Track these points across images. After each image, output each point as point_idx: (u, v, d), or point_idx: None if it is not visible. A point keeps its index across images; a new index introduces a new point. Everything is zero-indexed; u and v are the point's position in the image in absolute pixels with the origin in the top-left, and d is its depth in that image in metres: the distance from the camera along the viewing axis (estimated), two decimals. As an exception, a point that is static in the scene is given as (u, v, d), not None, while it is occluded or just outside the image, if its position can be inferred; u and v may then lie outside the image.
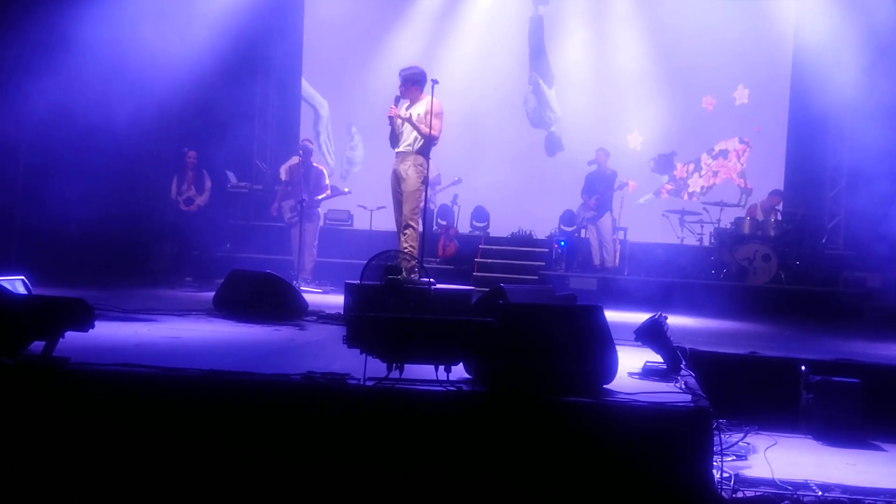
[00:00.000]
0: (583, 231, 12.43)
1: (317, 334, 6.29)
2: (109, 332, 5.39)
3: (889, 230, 10.55)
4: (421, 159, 7.61)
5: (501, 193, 13.26)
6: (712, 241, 12.22)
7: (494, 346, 4.07)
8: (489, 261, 12.29)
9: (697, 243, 12.49)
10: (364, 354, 4.03)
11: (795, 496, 4.16)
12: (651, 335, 5.00)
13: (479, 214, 13.44)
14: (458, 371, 4.17)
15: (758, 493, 4.21)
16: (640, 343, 5.10)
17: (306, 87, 14.64)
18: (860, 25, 12.03)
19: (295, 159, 11.01)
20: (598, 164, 12.23)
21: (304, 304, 7.34)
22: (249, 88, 13.78)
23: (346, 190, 11.64)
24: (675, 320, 6.43)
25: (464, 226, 13.27)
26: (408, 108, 7.70)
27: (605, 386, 4.20)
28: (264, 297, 7.03)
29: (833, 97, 12.68)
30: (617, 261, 12.12)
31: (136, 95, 10.73)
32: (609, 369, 4.24)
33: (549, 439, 3.86)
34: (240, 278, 7.48)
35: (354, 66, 14.01)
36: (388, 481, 3.87)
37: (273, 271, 7.47)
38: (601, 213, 12.02)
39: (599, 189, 12.07)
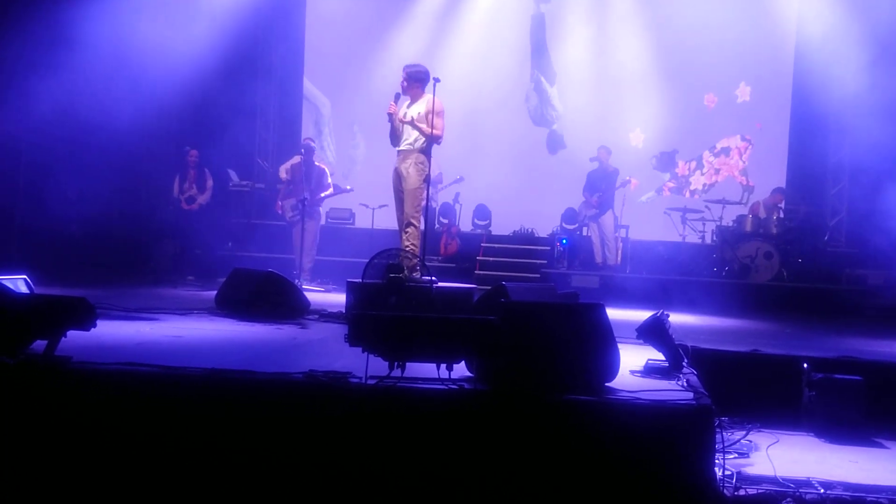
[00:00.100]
0: (584, 229, 12.43)
1: (319, 333, 6.29)
2: (111, 331, 5.40)
3: (891, 227, 10.54)
4: (422, 157, 7.60)
5: (503, 192, 13.27)
6: (714, 238, 12.22)
7: (496, 344, 4.07)
8: (491, 259, 12.29)
9: (699, 241, 12.48)
10: (366, 353, 4.03)
11: (798, 494, 4.15)
12: (653, 333, 4.99)
13: (481, 213, 13.45)
14: (460, 369, 4.16)
15: (760, 491, 4.20)
16: (641, 341, 5.09)
17: (308, 86, 14.65)
18: (862, 23, 12.02)
19: (297, 158, 11.01)
20: (600, 161, 12.23)
21: (305, 302, 7.34)
22: (251, 87, 13.79)
23: (347, 188, 11.65)
24: (676, 318, 6.43)
25: (465, 224, 13.28)
26: (409, 106, 7.70)
27: (606, 384, 4.20)
28: (266, 295, 7.03)
29: (835, 94, 12.67)
30: (619, 259, 12.12)
31: (138, 94, 10.75)
32: (611, 367, 4.23)
33: (551, 437, 3.86)
34: (242, 277, 7.48)
35: (356, 65, 14.03)
36: (390, 480, 3.87)
37: (275, 270, 7.47)
38: (603, 211, 12.03)
39: (601, 187, 12.07)
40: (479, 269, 11.93)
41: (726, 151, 13.81)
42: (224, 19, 12.24)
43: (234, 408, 3.98)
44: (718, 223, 12.13)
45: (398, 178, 7.70)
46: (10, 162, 10.70)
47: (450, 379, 4.02)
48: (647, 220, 12.82)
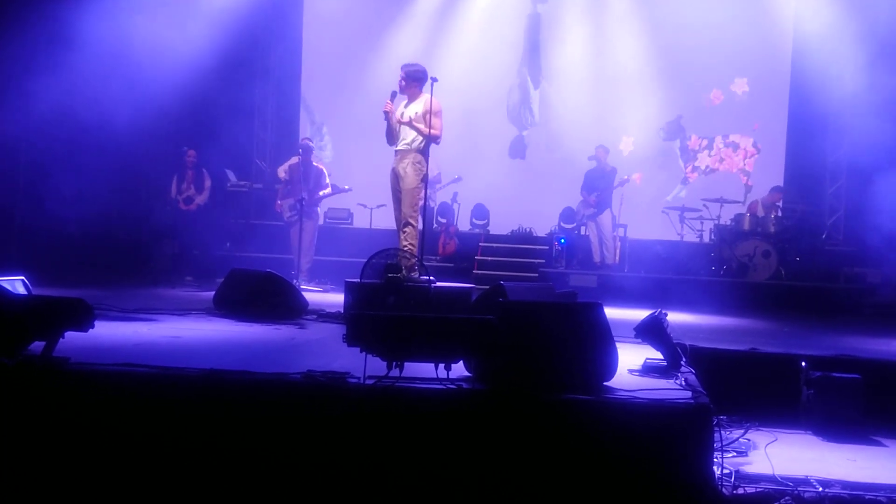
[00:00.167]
0: (583, 228, 12.43)
1: (317, 333, 6.30)
2: (109, 332, 5.39)
3: (889, 226, 10.55)
4: (419, 157, 7.60)
5: (501, 191, 13.27)
6: (712, 237, 12.22)
7: (494, 343, 4.07)
8: (489, 258, 12.29)
9: (697, 240, 12.48)
10: (364, 353, 4.03)
11: (796, 492, 4.15)
12: (651, 332, 5.00)
13: (479, 212, 13.45)
14: (458, 369, 4.16)
15: (758, 490, 4.21)
16: (640, 340, 5.10)
17: (306, 87, 14.62)
18: (860, 21, 12.03)
19: (295, 159, 11.00)
20: (598, 160, 12.23)
21: (304, 302, 7.34)
22: (249, 87, 13.78)
23: (346, 187, 11.64)
24: (675, 317, 6.43)
25: (464, 224, 13.28)
26: (406, 105, 7.69)
27: (605, 383, 4.20)
28: (264, 296, 7.04)
29: (833, 93, 12.68)
30: (617, 258, 12.13)
31: (136, 94, 10.73)
32: (609, 366, 4.24)
33: (549, 437, 3.86)
34: (240, 277, 7.48)
35: (354, 64, 13.99)
36: (389, 480, 3.87)
37: (273, 270, 7.47)
38: (601, 210, 12.03)
39: (599, 186, 12.07)
40: (478, 269, 11.93)
41: (734, 146, 13.83)
42: (222, 19, 12.23)
43: (232, 408, 3.98)
44: (716, 222, 12.13)
45: (396, 177, 7.70)
46: (9, 162, 10.70)
47: (448, 379, 4.02)
48: (645, 219, 12.81)
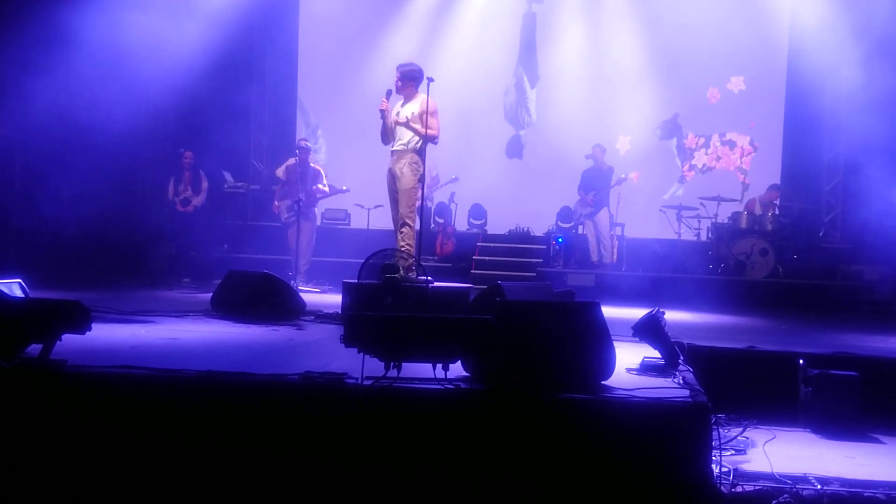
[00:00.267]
0: (580, 227, 12.44)
1: (315, 334, 6.29)
2: (107, 334, 5.39)
3: (886, 223, 10.56)
4: (416, 158, 7.59)
5: (498, 191, 13.27)
6: (709, 235, 12.23)
7: (492, 343, 4.07)
8: (487, 258, 12.29)
9: (695, 238, 12.49)
10: (362, 353, 4.03)
11: (794, 490, 4.15)
12: (649, 331, 5.00)
13: (477, 212, 13.44)
14: (456, 369, 4.17)
15: (757, 488, 4.20)
16: (637, 339, 5.10)
17: (302, 88, 14.61)
18: (856, 18, 12.04)
19: (292, 160, 11.00)
20: (595, 159, 12.24)
21: (301, 303, 7.33)
22: (245, 88, 13.77)
23: (343, 188, 11.64)
24: (672, 316, 6.44)
25: (461, 224, 13.27)
26: (402, 105, 7.69)
27: (603, 382, 4.20)
28: (262, 297, 7.03)
29: (829, 90, 12.72)
30: (615, 257, 12.13)
31: (133, 96, 10.74)
32: (607, 365, 4.24)
33: (547, 436, 3.86)
34: (237, 279, 7.48)
35: (350, 65, 13.98)
36: (387, 480, 3.87)
37: (270, 271, 7.46)
38: (598, 209, 12.04)
39: (596, 185, 12.08)
40: (475, 269, 11.92)
41: (731, 144, 13.85)
42: (218, 21, 12.22)
43: (230, 409, 3.98)
44: (714, 220, 12.14)
45: (392, 178, 7.69)
46: (5, 164, 10.70)
47: (446, 379, 4.02)
48: (642, 217, 12.82)
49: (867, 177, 11.20)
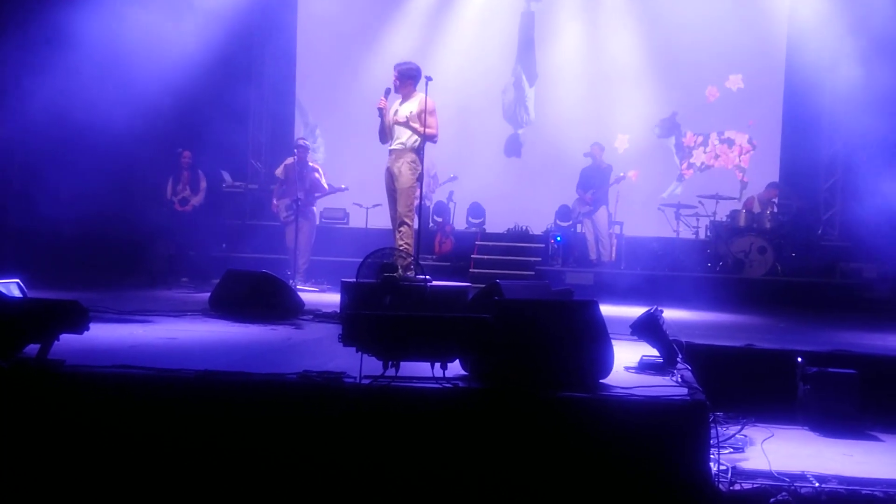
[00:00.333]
0: (579, 226, 12.44)
1: (313, 333, 6.29)
2: (105, 334, 5.39)
3: (884, 221, 10.56)
4: (414, 156, 7.59)
5: (497, 190, 13.27)
6: (708, 234, 12.24)
7: (490, 342, 4.07)
8: (485, 257, 12.29)
9: (693, 236, 12.50)
10: (360, 353, 4.03)
11: (793, 488, 4.16)
12: (647, 329, 5.00)
13: (475, 211, 13.44)
14: (455, 368, 4.17)
15: (755, 486, 4.21)
16: (636, 337, 5.10)
17: (300, 88, 14.61)
18: (854, 16, 12.04)
19: (291, 159, 10.99)
20: (594, 158, 12.25)
21: (300, 303, 7.33)
22: (243, 87, 13.75)
23: (343, 186, 11.63)
24: (671, 314, 6.45)
25: (460, 222, 13.26)
26: (401, 104, 7.68)
27: (601, 380, 4.20)
28: (260, 296, 7.03)
29: (828, 88, 12.72)
30: (613, 255, 12.13)
31: (131, 95, 10.72)
32: (605, 364, 4.24)
33: (545, 435, 3.86)
34: (235, 278, 7.47)
35: (348, 64, 13.98)
36: (386, 479, 3.87)
37: (269, 271, 7.46)
38: (597, 208, 12.05)
39: (595, 183, 12.08)
40: (474, 268, 11.92)
41: (730, 142, 13.86)
42: (216, 20, 12.21)
43: (228, 409, 3.97)
44: (712, 218, 12.15)
45: (390, 177, 7.68)
46: (4, 164, 10.69)
47: (444, 378, 4.02)
48: (641, 216, 12.82)
49: (865, 175, 11.21)
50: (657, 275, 11.29)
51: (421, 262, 7.48)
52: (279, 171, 11.07)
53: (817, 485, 4.19)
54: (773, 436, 5.15)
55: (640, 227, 12.67)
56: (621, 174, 12.21)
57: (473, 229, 13.22)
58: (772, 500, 4.09)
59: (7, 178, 10.81)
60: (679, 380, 4.45)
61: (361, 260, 6.92)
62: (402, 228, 7.57)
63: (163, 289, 10.02)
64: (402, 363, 4.05)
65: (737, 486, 4.18)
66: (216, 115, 12.31)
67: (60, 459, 3.96)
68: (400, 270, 6.96)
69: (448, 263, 11.97)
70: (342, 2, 14.43)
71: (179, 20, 11.55)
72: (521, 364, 4.05)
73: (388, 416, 3.91)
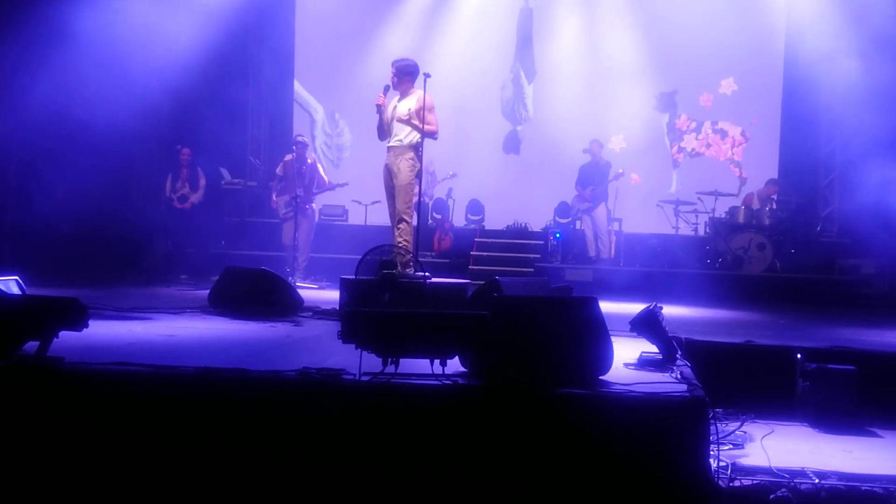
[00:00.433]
0: (578, 223, 12.44)
1: (312, 330, 6.29)
2: (104, 331, 5.38)
3: (883, 217, 10.56)
4: (413, 153, 7.58)
5: (496, 186, 13.27)
6: (707, 230, 12.24)
7: (490, 339, 4.07)
8: (485, 254, 12.29)
9: (692, 233, 12.50)
10: (359, 349, 4.02)
11: (792, 484, 4.16)
12: (646, 325, 5.00)
13: (474, 208, 13.45)
14: (454, 365, 4.16)
15: (755, 482, 4.21)
16: (635, 333, 5.09)
17: (301, 93, 14.60)
18: (853, 11, 12.03)
19: (289, 156, 10.98)
20: (592, 154, 12.24)
21: (299, 300, 7.32)
22: (242, 84, 13.76)
23: (343, 182, 11.61)
24: (670, 310, 6.44)
25: (459, 219, 13.27)
26: (399, 101, 7.67)
27: (600, 377, 4.20)
28: (259, 293, 7.02)
29: (826, 85, 12.72)
30: (612, 252, 12.13)
31: (129, 92, 10.70)
32: (604, 360, 4.23)
33: (545, 431, 3.86)
34: (234, 275, 7.47)
35: (347, 61, 13.98)
36: (385, 476, 3.86)
37: (268, 268, 7.45)
38: (596, 205, 12.04)
39: (594, 180, 12.07)
40: (473, 265, 11.93)
41: (723, 133, 13.87)
42: (214, 17, 12.19)
43: (227, 406, 3.97)
44: (711, 215, 12.15)
45: (389, 174, 7.68)
46: (1, 161, 10.66)
47: (443, 374, 4.02)
48: (640, 212, 12.82)
49: (864, 171, 11.19)
50: (656, 271, 11.29)
51: (420, 259, 7.48)
52: (280, 169, 11.06)
53: (817, 481, 4.19)
54: (772, 432, 5.15)
55: (639, 223, 12.67)
56: (620, 170, 12.21)
57: (472, 226, 13.23)
58: (771, 496, 4.09)
59: (5, 176, 10.78)
60: (678, 376, 4.44)
61: (360, 257, 6.92)
62: (400, 225, 7.56)
63: (161, 286, 10.02)
64: (401, 360, 4.04)
65: (736, 483, 4.19)
66: (215, 113, 12.30)
67: (60, 457, 3.95)
68: (399, 267, 6.96)
69: (447, 260, 11.98)
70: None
71: (178, 17, 11.52)
72: (520, 361, 4.04)
73: (387, 413, 3.90)
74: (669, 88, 13.85)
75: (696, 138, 13.93)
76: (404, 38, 13.66)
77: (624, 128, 13.82)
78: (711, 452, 3.99)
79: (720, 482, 4.07)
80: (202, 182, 11.55)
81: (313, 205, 10.99)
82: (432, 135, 7.61)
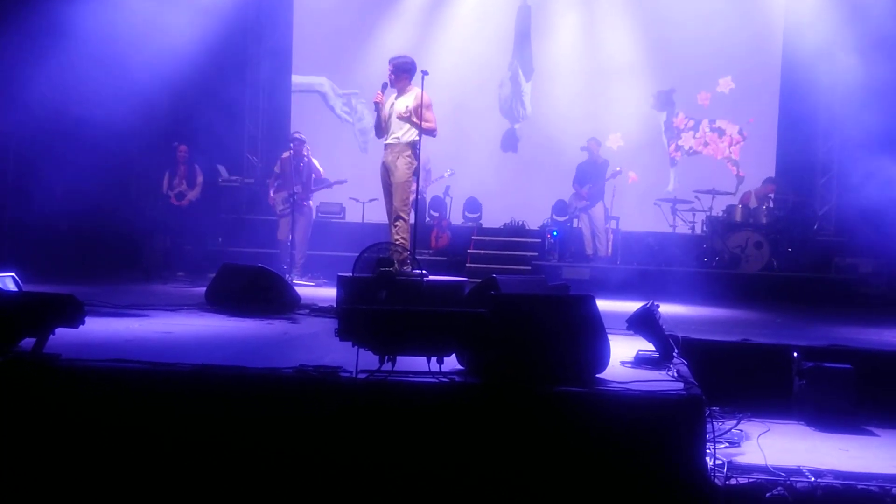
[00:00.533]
0: (575, 221, 12.45)
1: (309, 327, 6.28)
2: (101, 328, 5.37)
3: (880, 216, 10.58)
4: (410, 151, 7.58)
5: (493, 184, 13.28)
6: (704, 229, 12.25)
7: (487, 336, 4.07)
8: (482, 252, 12.29)
9: (689, 231, 12.52)
10: (356, 347, 4.02)
11: (788, 482, 4.16)
12: (643, 324, 5.00)
13: (472, 205, 13.45)
14: (451, 362, 4.16)
15: (751, 480, 4.21)
16: (632, 332, 5.10)
17: (300, 79, 14.58)
18: (851, 11, 12.04)
19: (287, 153, 10.97)
20: (590, 152, 12.25)
21: (296, 297, 7.32)
22: (239, 82, 13.75)
23: (342, 179, 11.60)
24: (667, 309, 6.45)
25: (456, 217, 13.28)
26: (396, 98, 7.66)
27: (597, 375, 4.20)
28: (256, 290, 7.01)
29: (824, 84, 12.72)
30: (609, 250, 12.14)
31: (126, 89, 10.69)
32: (601, 358, 4.23)
33: (542, 429, 3.86)
34: (232, 272, 7.46)
35: (345, 59, 13.98)
36: (382, 474, 3.86)
37: (265, 265, 7.45)
38: (594, 203, 12.05)
39: (591, 178, 12.08)
40: (470, 262, 11.93)
41: (720, 132, 13.89)
42: (211, 14, 12.18)
43: (224, 403, 3.97)
44: (708, 213, 12.16)
45: (386, 171, 7.67)
46: (-1, 157, 10.66)
47: (440, 372, 4.01)
48: (637, 211, 12.83)
49: (861, 170, 11.21)
50: (653, 270, 11.30)
51: (417, 257, 7.48)
52: (278, 167, 11.06)
53: (813, 479, 4.19)
54: (768, 430, 5.15)
55: (636, 221, 12.68)
56: (617, 169, 12.21)
57: (470, 224, 13.23)
58: (767, 494, 4.10)
59: (2, 172, 10.77)
60: (675, 374, 4.45)
61: (358, 254, 6.91)
62: (397, 223, 7.56)
63: (158, 283, 10.01)
64: (398, 357, 4.04)
65: (733, 481, 4.19)
66: (212, 110, 12.29)
67: (56, 454, 3.95)
68: (396, 265, 6.96)
69: (444, 258, 11.98)
70: (338, -4, 14.42)
71: (176, 15, 11.51)
72: (517, 359, 4.04)
73: (384, 410, 3.90)
74: (667, 87, 13.88)
75: (694, 137, 13.95)
76: (402, 35, 13.65)
77: (621, 126, 13.83)
78: (708, 451, 3.99)
79: (716, 480, 4.07)
80: (199, 179, 11.54)
81: (310, 202, 10.98)
82: (431, 132, 7.60)
